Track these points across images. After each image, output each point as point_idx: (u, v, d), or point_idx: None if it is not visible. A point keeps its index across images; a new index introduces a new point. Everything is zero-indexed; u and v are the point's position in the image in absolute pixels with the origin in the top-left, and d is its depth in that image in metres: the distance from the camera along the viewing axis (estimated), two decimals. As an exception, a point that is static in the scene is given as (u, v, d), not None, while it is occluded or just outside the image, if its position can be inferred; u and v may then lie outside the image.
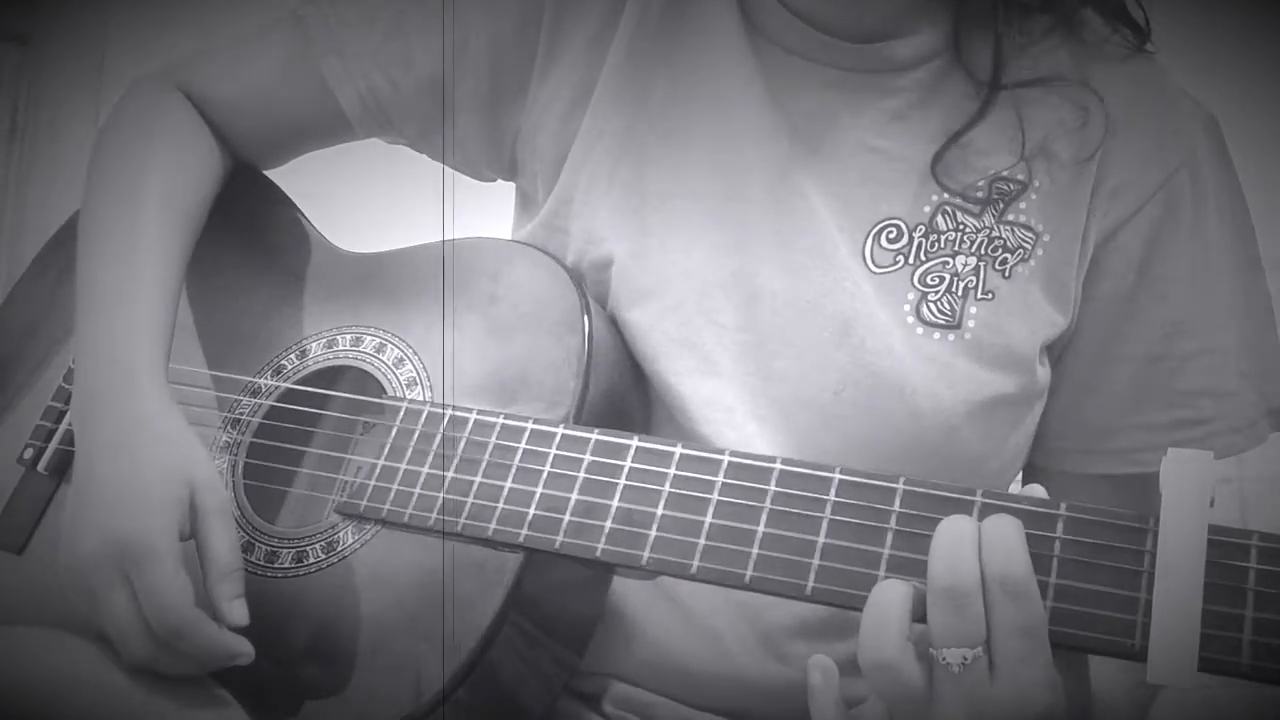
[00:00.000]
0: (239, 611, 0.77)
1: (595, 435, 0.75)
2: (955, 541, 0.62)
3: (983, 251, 0.85)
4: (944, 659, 0.60)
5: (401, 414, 0.81)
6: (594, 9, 0.91)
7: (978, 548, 0.61)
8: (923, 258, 0.86)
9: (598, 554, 0.71)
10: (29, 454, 0.93)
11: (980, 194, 0.86)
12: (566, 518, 0.73)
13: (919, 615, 0.62)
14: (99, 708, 0.74)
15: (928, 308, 0.85)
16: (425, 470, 0.77)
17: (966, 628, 0.60)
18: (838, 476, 0.68)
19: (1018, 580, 0.60)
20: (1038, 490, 0.66)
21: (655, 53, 0.90)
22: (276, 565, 0.82)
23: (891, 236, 0.86)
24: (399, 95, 0.94)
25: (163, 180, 0.93)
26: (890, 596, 0.62)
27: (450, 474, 0.77)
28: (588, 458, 0.74)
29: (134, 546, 0.75)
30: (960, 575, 0.61)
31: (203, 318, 0.95)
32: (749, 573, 0.68)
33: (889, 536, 0.66)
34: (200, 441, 0.81)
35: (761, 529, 0.68)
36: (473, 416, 0.78)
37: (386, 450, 0.79)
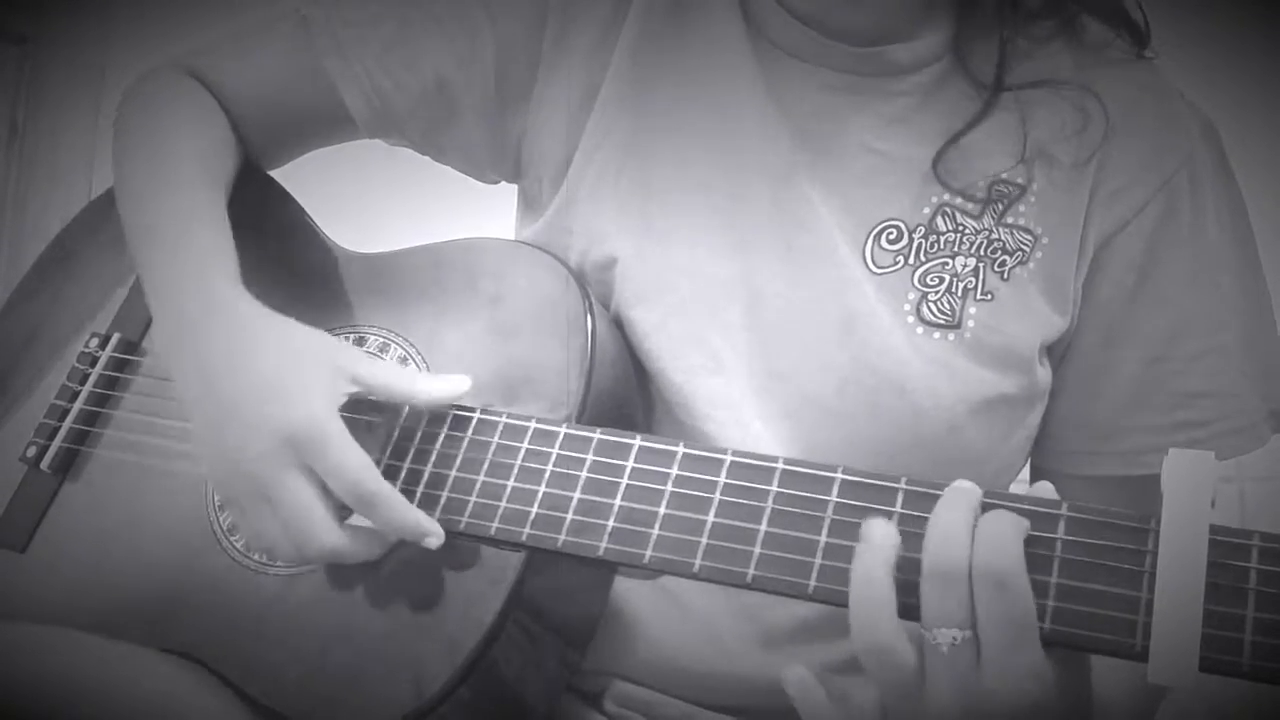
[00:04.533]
0: (449, 383, 0.79)
1: (598, 435, 0.75)
2: (949, 522, 0.62)
3: (982, 253, 0.86)
4: (934, 639, 0.61)
5: (404, 414, 0.81)
6: (598, 12, 0.91)
7: (971, 534, 0.62)
8: (922, 258, 0.86)
9: (600, 553, 0.71)
10: (32, 452, 0.93)
11: (980, 196, 0.86)
12: (569, 517, 0.73)
13: (908, 609, 0.63)
14: (99, 706, 0.75)
15: (928, 307, 0.85)
16: (428, 469, 0.77)
17: (955, 608, 0.61)
18: (840, 476, 0.69)
19: (1003, 571, 0.61)
20: (1047, 488, 0.66)
21: (659, 55, 0.91)
22: (277, 564, 0.82)
23: (892, 237, 0.87)
24: (404, 97, 0.94)
25: (192, 141, 0.94)
26: (877, 579, 0.62)
27: (453, 473, 0.77)
28: (590, 457, 0.74)
29: (307, 432, 0.74)
30: (951, 556, 0.61)
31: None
32: (751, 572, 0.68)
33: (891, 536, 0.66)
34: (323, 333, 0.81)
35: (764, 528, 0.69)
36: (475, 416, 0.79)
37: (389, 450, 0.79)
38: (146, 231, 0.88)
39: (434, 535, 0.74)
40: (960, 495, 0.64)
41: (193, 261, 0.84)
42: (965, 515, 0.62)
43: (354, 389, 0.78)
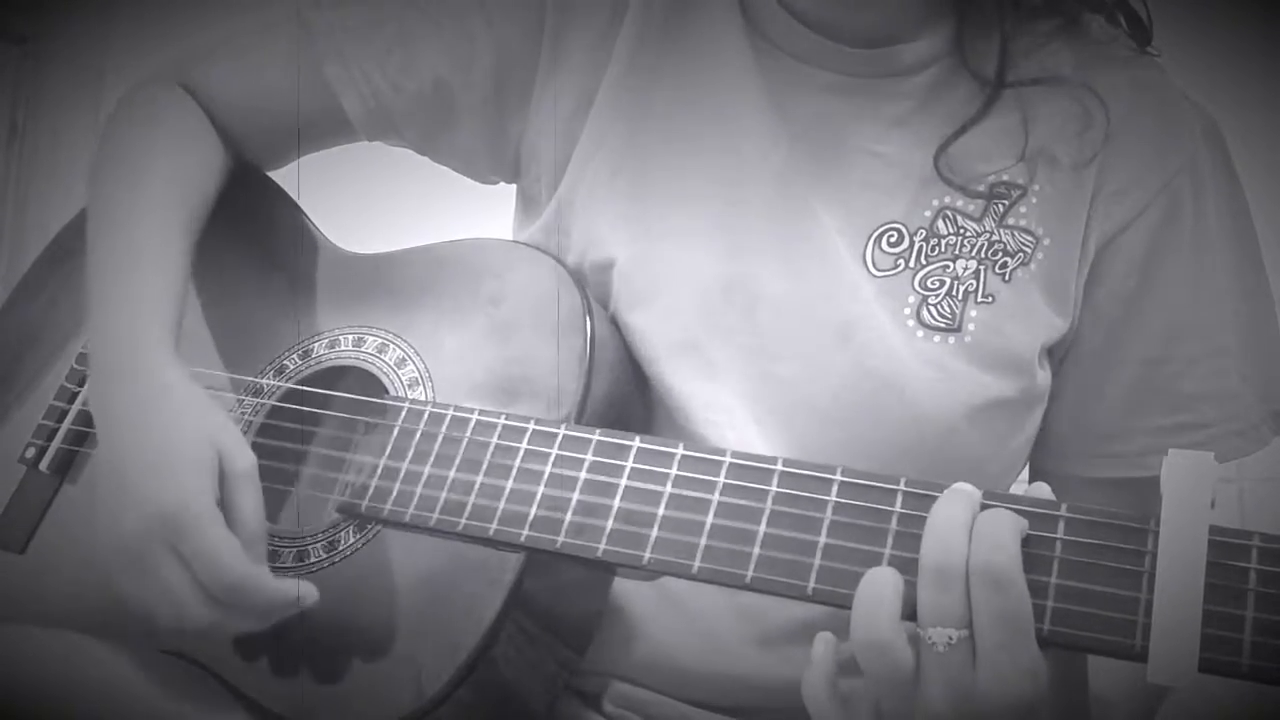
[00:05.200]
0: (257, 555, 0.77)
1: (597, 436, 0.75)
2: (945, 521, 0.62)
3: (983, 255, 0.86)
4: (930, 638, 0.61)
5: (403, 414, 0.81)
6: (597, 13, 0.91)
7: (969, 533, 0.62)
8: (923, 261, 0.86)
9: (599, 554, 0.71)
10: (31, 453, 0.93)
11: (981, 197, 0.86)
12: (568, 518, 0.73)
13: (909, 612, 0.63)
14: (99, 707, 0.75)
15: (928, 311, 0.85)
16: (427, 470, 0.77)
17: (950, 607, 0.61)
18: (839, 478, 0.68)
19: (1000, 569, 0.60)
20: (1043, 489, 0.66)
21: (658, 57, 0.91)
22: (278, 564, 0.82)
23: (892, 240, 0.86)
24: (402, 99, 0.94)
25: (166, 167, 0.94)
26: (883, 578, 0.62)
27: (452, 473, 0.77)
28: (589, 458, 0.74)
29: (175, 515, 0.74)
30: (947, 554, 0.61)
31: (205, 318, 0.96)
32: (750, 573, 0.68)
33: (890, 537, 0.66)
34: (220, 406, 0.82)
35: (763, 529, 0.68)
36: (474, 417, 0.78)
37: (388, 450, 0.79)
38: (99, 265, 0.89)
39: (307, 596, 0.76)
40: (959, 495, 0.64)
41: (127, 315, 0.85)
42: (963, 514, 0.62)
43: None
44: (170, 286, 0.87)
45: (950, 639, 0.61)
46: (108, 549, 0.78)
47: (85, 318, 0.88)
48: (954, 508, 0.63)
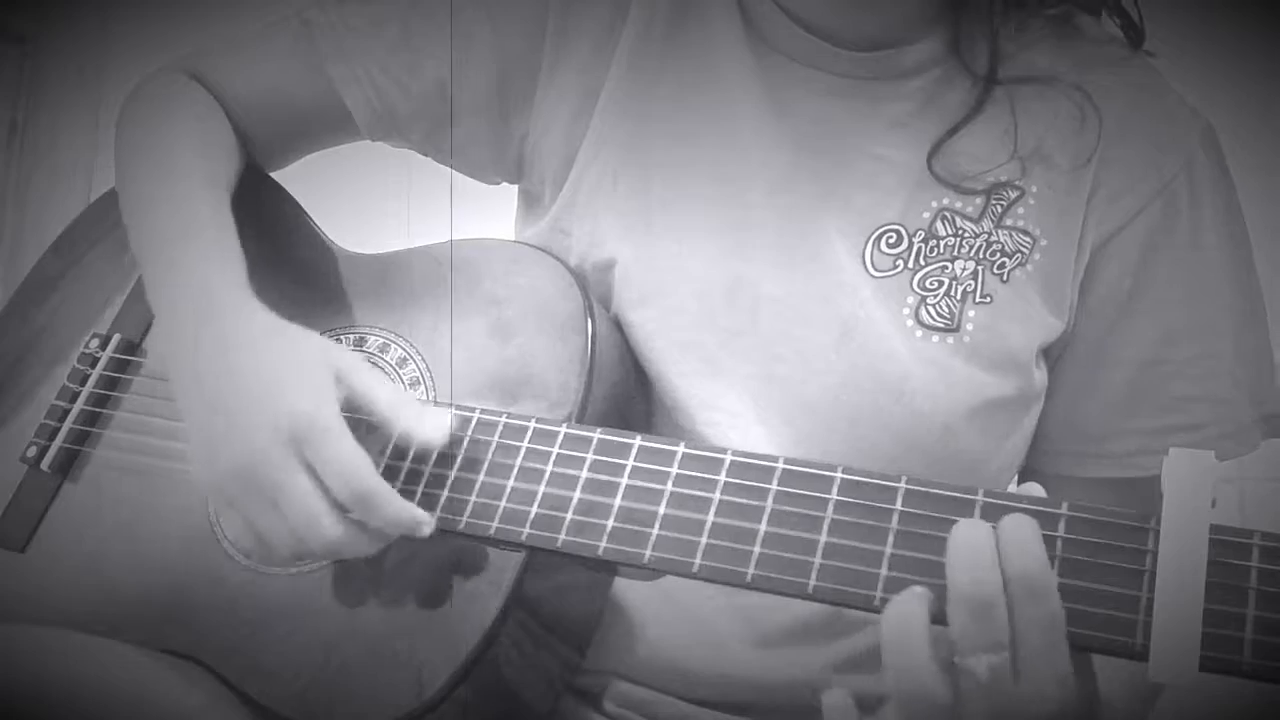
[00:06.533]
0: (435, 424, 0.77)
1: (598, 434, 0.75)
2: (975, 549, 0.61)
3: (981, 256, 0.86)
4: (969, 666, 0.60)
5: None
6: (599, 15, 0.91)
7: (996, 552, 0.61)
8: (922, 262, 0.86)
9: (600, 553, 0.71)
10: (32, 452, 0.93)
11: (979, 190, 0.86)
12: (569, 516, 0.73)
13: (937, 617, 0.62)
14: (99, 707, 0.75)
15: (927, 311, 0.85)
16: (428, 469, 0.77)
17: (992, 634, 0.60)
18: (840, 476, 0.69)
19: (1036, 577, 0.60)
20: (1035, 489, 0.66)
21: (659, 59, 0.91)
22: (274, 567, 0.82)
23: (891, 241, 0.87)
24: (407, 99, 0.95)
25: (194, 140, 0.94)
26: (907, 617, 0.61)
27: (453, 473, 0.77)
28: (590, 457, 0.74)
29: (307, 426, 0.73)
30: (984, 584, 0.60)
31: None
32: (751, 571, 0.68)
33: (891, 536, 0.66)
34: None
35: (764, 528, 0.68)
36: (476, 416, 0.78)
37: (389, 450, 0.79)
38: (150, 235, 0.88)
39: (425, 524, 0.74)
40: (968, 526, 0.62)
41: (195, 266, 0.84)
42: (986, 537, 0.61)
43: (346, 393, 0.77)
44: (228, 242, 0.86)
45: (991, 665, 0.60)
46: (221, 486, 0.76)
47: (145, 284, 0.88)
48: (974, 530, 0.62)
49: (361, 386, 0.77)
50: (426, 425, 0.77)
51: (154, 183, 0.92)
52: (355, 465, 0.73)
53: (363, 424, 0.79)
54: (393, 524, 0.74)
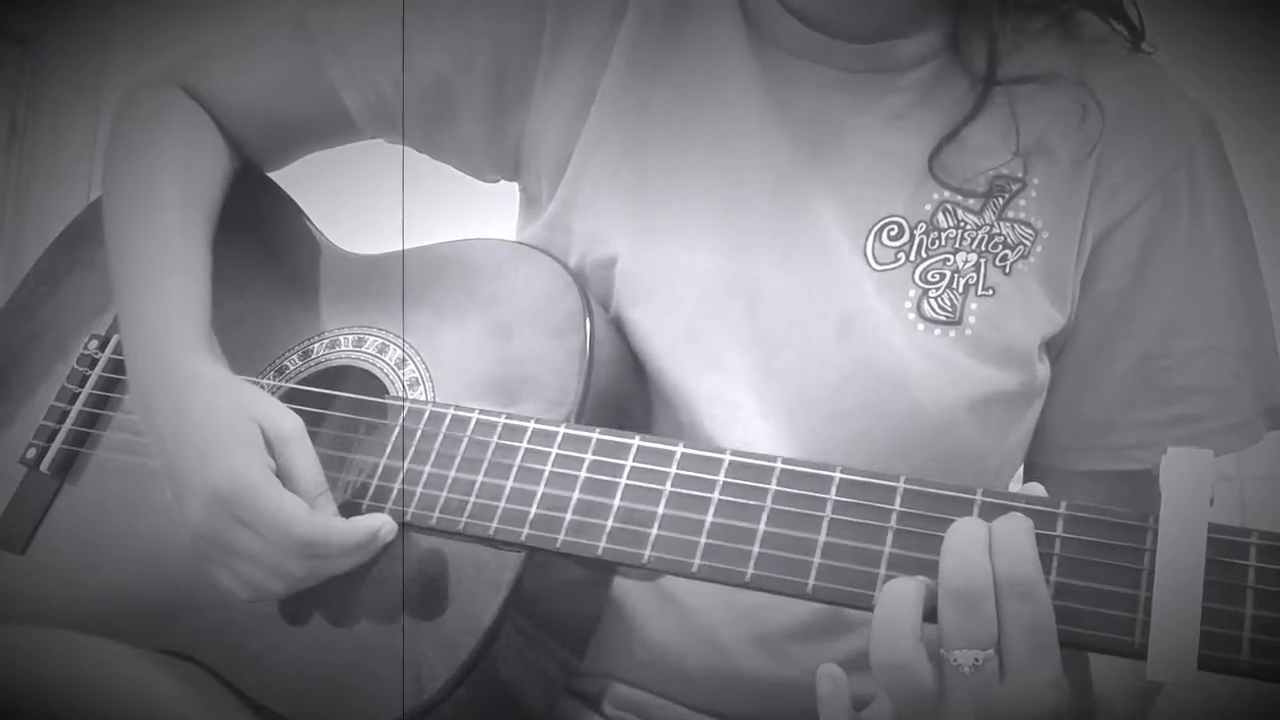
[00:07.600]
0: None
1: (597, 435, 0.75)
2: (967, 543, 0.62)
3: (983, 248, 0.86)
4: (955, 660, 0.61)
5: (404, 413, 0.81)
6: (597, 12, 0.91)
7: (989, 549, 0.61)
8: (923, 255, 0.86)
9: (599, 553, 0.71)
10: (32, 454, 0.93)
11: (980, 191, 0.86)
12: (568, 517, 0.73)
13: (929, 614, 0.62)
14: (99, 707, 0.74)
15: (929, 304, 0.85)
16: (427, 469, 0.77)
17: (979, 629, 0.60)
18: (838, 475, 0.69)
19: (1026, 579, 0.60)
20: (1037, 489, 0.66)
21: (658, 55, 0.91)
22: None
23: (893, 234, 0.86)
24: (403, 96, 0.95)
25: (178, 170, 0.94)
26: (902, 596, 0.62)
27: (453, 473, 0.77)
28: (589, 457, 0.74)
29: (229, 489, 0.75)
30: (973, 577, 0.61)
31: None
32: (750, 571, 0.68)
33: (890, 535, 0.66)
34: (250, 382, 0.83)
35: (762, 528, 0.69)
36: (475, 416, 0.78)
37: (388, 450, 0.79)
38: (122, 270, 0.91)
39: (384, 528, 0.76)
40: (969, 521, 0.63)
41: (154, 315, 0.86)
42: (982, 532, 0.62)
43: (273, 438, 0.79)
44: (195, 288, 0.88)
45: (977, 660, 0.60)
46: (190, 543, 0.79)
47: (118, 329, 0.90)
48: (968, 525, 0.62)
49: (284, 456, 0.78)
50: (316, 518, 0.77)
51: (130, 210, 0.93)
52: (286, 516, 0.74)
53: (362, 424, 0.79)
54: (347, 552, 0.76)
